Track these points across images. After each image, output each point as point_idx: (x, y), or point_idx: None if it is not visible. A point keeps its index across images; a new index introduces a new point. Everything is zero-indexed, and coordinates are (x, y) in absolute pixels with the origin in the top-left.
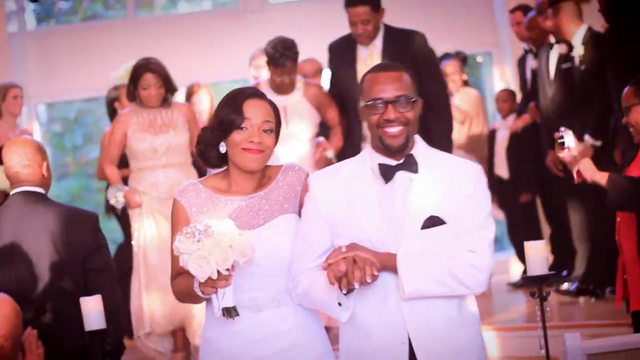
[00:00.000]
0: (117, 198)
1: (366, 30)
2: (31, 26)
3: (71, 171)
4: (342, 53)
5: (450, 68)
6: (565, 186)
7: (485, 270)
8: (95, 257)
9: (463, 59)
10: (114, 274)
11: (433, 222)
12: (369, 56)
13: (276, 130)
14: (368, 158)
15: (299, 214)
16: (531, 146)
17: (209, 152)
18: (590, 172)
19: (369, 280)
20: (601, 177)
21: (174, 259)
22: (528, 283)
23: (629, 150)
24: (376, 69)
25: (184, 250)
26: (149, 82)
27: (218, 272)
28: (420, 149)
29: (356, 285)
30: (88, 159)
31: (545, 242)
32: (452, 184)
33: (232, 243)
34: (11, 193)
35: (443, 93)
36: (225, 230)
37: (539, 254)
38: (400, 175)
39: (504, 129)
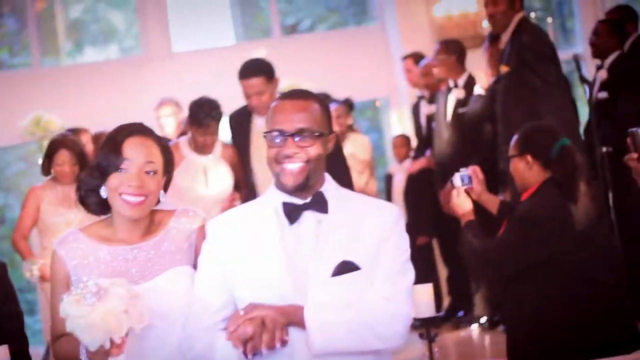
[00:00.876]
0: (32, 272)
1: (261, 101)
2: None
3: None
4: (239, 124)
5: (335, 112)
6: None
7: (403, 320)
8: (3, 306)
9: (350, 105)
10: (22, 322)
11: (346, 267)
12: (264, 126)
13: (165, 171)
14: (271, 197)
15: (195, 266)
16: (427, 190)
17: (88, 197)
18: (459, 209)
19: (278, 345)
20: (463, 218)
21: (56, 317)
22: (417, 325)
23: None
24: (283, 96)
25: (73, 314)
26: (63, 159)
27: (110, 339)
28: (331, 187)
29: (264, 351)
30: None
31: (433, 285)
32: (366, 226)
33: (127, 308)
34: None
35: (339, 153)
36: (120, 293)
37: (426, 297)
38: (307, 215)
39: (401, 173)
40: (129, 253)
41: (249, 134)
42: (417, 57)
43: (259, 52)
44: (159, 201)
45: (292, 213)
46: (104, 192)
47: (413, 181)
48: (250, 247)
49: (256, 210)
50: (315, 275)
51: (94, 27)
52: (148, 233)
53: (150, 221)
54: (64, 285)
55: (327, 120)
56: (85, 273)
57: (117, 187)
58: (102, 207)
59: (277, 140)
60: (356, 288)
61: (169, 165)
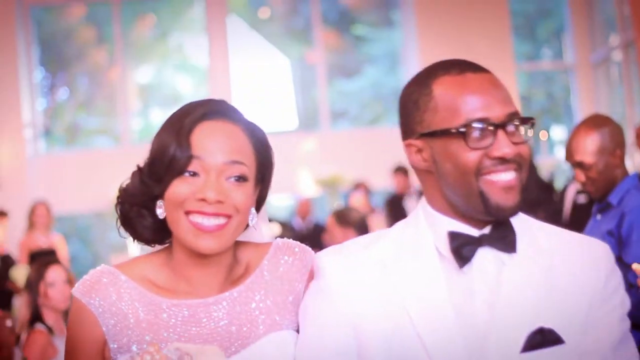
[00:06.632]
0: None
1: None
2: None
3: None
4: None
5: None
6: None
7: None
8: None
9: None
10: None
11: (544, 339)
12: None
13: (260, 178)
14: (425, 225)
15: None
16: None
17: (138, 218)
18: None
19: None
20: None
21: None
22: None
23: None
24: (454, 68)
25: None
26: None
27: None
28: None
29: None
30: None
31: None
32: (572, 274)
33: None
34: None
35: None
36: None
37: None
38: (484, 255)
39: None
40: (202, 310)
41: None
42: (404, 171)
43: (308, 141)
44: (247, 226)
45: (464, 250)
46: (160, 210)
47: None
48: (397, 300)
49: (403, 243)
50: (497, 349)
51: (162, 91)
52: (232, 281)
53: (234, 260)
54: (95, 358)
55: None
56: (130, 340)
57: (183, 202)
58: (157, 233)
59: (484, 134)
60: None
61: (265, 169)
